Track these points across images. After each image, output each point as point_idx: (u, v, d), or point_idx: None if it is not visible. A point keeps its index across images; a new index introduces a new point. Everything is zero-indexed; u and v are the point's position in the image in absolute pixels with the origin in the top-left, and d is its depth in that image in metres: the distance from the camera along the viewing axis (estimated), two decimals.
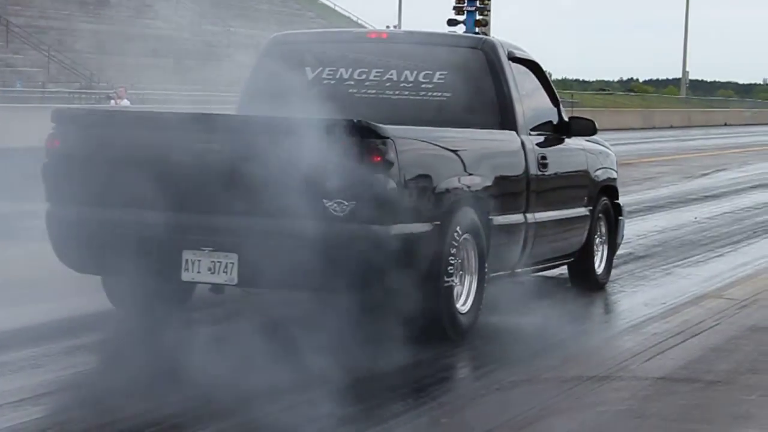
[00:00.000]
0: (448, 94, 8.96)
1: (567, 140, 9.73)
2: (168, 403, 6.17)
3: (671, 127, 65.42)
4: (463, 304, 8.00)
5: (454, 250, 7.71)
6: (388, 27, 33.44)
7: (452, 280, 7.73)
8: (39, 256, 10.65)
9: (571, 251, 9.85)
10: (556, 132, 9.63)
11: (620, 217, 10.67)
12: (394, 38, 9.40)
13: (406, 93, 9.03)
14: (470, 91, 8.95)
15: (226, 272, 7.33)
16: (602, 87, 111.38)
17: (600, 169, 10.23)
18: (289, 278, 7.32)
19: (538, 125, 9.33)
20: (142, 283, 8.07)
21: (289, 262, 7.15)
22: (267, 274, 7.34)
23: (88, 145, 7.60)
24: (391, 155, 7.13)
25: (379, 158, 7.09)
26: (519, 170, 8.77)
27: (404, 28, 38.82)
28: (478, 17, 38.53)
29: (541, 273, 10.34)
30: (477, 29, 37.46)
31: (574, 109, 50.77)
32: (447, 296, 7.69)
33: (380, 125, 7.21)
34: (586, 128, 9.78)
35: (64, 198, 7.70)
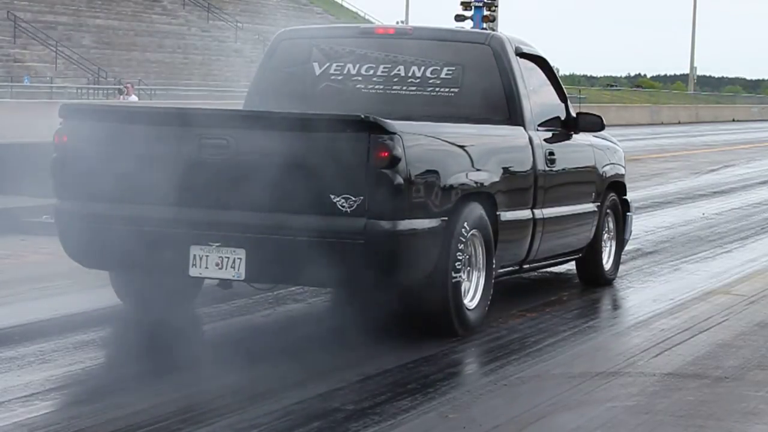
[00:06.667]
0: (455, 90, 8.96)
1: (575, 136, 9.72)
2: (177, 398, 6.18)
3: (679, 123, 65.37)
4: (471, 299, 8.00)
5: (462, 245, 7.71)
6: (398, 23, 33.43)
7: (460, 276, 7.73)
8: (46, 251, 10.69)
9: (578, 247, 9.84)
10: (563, 128, 9.63)
11: (628, 213, 10.66)
12: (402, 34, 9.39)
13: (414, 88, 9.03)
14: (478, 87, 8.95)
15: (233, 267, 7.34)
16: (610, 83, 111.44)
17: (608, 164, 10.22)
18: (296, 274, 7.33)
19: (546, 121, 9.33)
20: (150, 279, 8.08)
21: (296, 257, 7.15)
22: (274, 270, 7.35)
23: (96, 141, 7.60)
24: (399, 151, 7.12)
25: (386, 154, 7.08)
26: (527, 166, 8.77)
27: (411, 23, 38.83)
28: (485, 13, 38.56)
29: (548, 269, 10.35)
30: (484, 25, 37.48)
31: (582, 104, 50.79)
32: (454, 292, 7.69)
33: (388, 121, 7.20)
34: (594, 124, 9.77)
35: (72, 193, 7.70)
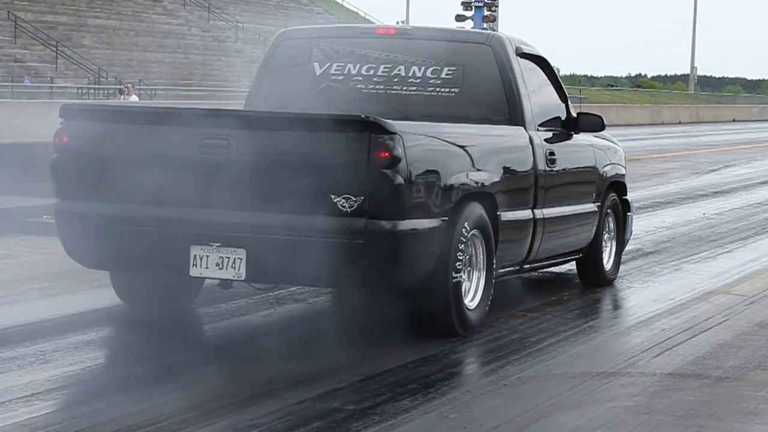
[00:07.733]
0: (456, 90, 8.96)
1: (575, 136, 9.72)
2: (177, 398, 6.17)
3: (679, 123, 65.35)
4: (471, 299, 8.00)
5: (462, 245, 7.71)
6: (398, 23, 33.42)
7: (460, 276, 7.73)
8: (46, 251, 10.69)
9: (579, 247, 9.84)
10: (564, 128, 9.62)
11: (628, 213, 10.66)
12: (402, 34, 9.39)
13: (414, 88, 9.03)
14: (478, 87, 8.95)
15: (234, 268, 7.33)
16: (610, 83, 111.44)
17: (608, 164, 10.22)
18: (296, 274, 7.33)
19: (546, 121, 9.32)
20: (150, 279, 8.08)
21: (297, 257, 7.15)
22: (275, 270, 7.35)
23: (96, 141, 7.60)
24: (399, 151, 7.12)
25: (386, 154, 7.08)
26: (527, 166, 8.77)
27: (412, 23, 38.83)
28: (485, 13, 38.57)
29: (549, 269, 10.34)
30: (485, 25, 37.48)
31: (582, 104, 50.78)
32: (455, 292, 7.69)
33: (388, 121, 7.20)
34: (595, 124, 9.77)
35: (72, 193, 7.70)
